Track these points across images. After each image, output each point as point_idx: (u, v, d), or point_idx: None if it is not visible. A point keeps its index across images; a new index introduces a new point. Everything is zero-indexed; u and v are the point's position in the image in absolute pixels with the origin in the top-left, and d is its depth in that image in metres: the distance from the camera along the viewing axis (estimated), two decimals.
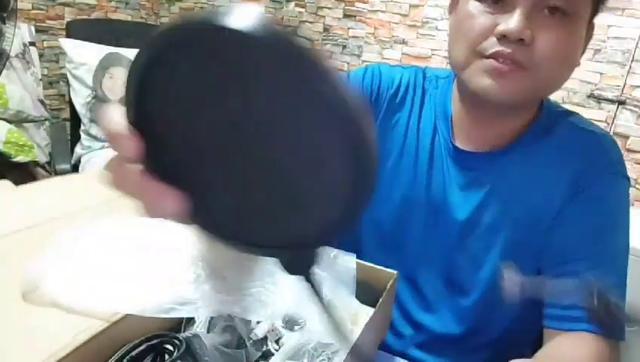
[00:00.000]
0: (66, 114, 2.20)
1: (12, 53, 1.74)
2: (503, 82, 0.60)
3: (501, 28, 0.59)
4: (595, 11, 0.63)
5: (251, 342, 0.50)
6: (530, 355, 0.86)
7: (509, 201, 0.71)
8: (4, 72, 1.65)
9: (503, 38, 0.59)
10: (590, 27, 0.65)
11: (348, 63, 2.27)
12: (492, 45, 0.60)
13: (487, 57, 0.61)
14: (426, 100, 0.77)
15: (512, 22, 0.58)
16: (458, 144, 0.73)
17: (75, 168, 2.00)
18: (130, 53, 2.07)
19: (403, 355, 0.71)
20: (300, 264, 0.29)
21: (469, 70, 0.63)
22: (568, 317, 0.64)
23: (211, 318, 0.51)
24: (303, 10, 2.35)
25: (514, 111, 0.69)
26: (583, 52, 0.65)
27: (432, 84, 0.78)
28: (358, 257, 0.62)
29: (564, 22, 0.59)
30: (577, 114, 0.75)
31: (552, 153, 0.70)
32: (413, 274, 0.77)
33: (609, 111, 1.71)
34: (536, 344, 0.90)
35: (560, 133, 0.71)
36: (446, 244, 0.74)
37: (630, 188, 0.75)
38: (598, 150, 0.70)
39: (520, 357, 0.55)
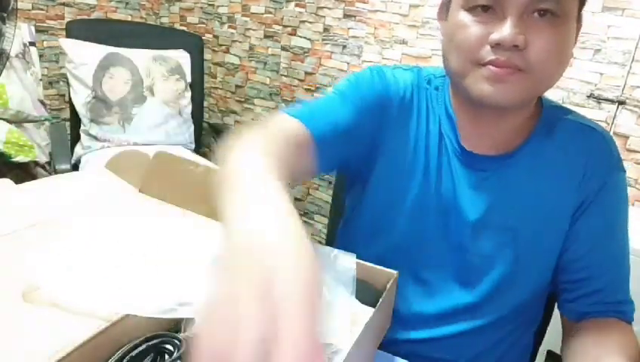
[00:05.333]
0: (66, 114, 2.19)
1: (12, 53, 1.74)
2: (503, 87, 0.61)
3: (495, 37, 0.60)
4: (581, 6, 0.65)
5: None
6: (534, 348, 0.90)
7: (520, 202, 0.72)
8: (4, 72, 1.65)
9: (497, 46, 0.60)
10: (578, 20, 0.66)
11: (348, 63, 2.27)
12: (487, 54, 0.61)
13: (485, 65, 0.62)
14: (429, 103, 0.77)
15: (504, 30, 0.59)
16: (465, 146, 0.73)
17: (75, 168, 2.00)
18: (130, 53, 2.08)
19: (409, 355, 0.70)
20: None
21: (469, 79, 0.64)
22: (593, 306, 0.71)
23: None
24: (303, 10, 2.35)
25: (515, 111, 0.70)
26: (574, 44, 0.67)
27: (432, 84, 0.79)
28: (368, 259, 0.62)
29: (554, 22, 0.61)
30: (571, 110, 0.77)
31: (557, 153, 0.72)
32: (425, 275, 0.77)
33: (609, 112, 1.70)
34: (538, 334, 0.93)
35: (562, 131, 0.73)
36: (458, 245, 0.74)
37: (629, 188, 0.78)
38: (602, 147, 0.73)
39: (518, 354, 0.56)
